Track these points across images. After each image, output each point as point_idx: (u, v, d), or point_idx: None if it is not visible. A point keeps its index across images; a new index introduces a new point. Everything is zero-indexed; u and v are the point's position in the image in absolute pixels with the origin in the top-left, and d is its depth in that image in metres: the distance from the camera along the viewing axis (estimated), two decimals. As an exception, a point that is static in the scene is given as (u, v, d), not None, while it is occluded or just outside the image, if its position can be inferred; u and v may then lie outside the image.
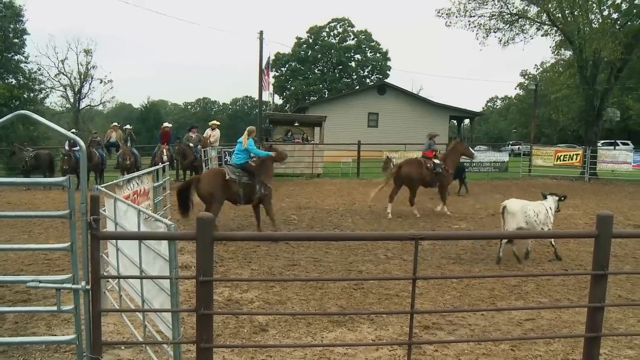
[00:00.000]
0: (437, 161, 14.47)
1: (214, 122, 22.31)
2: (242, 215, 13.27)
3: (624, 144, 44.87)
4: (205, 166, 18.10)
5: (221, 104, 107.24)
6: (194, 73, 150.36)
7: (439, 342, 5.53)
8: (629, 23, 27.21)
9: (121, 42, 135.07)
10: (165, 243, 4.02)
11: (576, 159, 26.68)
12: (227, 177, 10.98)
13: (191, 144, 20.05)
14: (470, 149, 17.17)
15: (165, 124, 22.04)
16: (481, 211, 14.96)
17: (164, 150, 19.69)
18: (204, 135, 21.30)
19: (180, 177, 20.89)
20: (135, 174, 8.57)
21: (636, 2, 27.64)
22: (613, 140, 46.35)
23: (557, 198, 9.55)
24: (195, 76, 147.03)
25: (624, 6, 28.56)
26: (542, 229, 9.10)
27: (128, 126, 22.14)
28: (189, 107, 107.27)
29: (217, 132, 21.38)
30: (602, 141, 41.08)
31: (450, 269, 8.78)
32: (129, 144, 20.52)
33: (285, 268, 8.61)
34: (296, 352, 5.28)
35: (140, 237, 4.74)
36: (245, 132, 11.64)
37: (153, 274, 4.44)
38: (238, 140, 11.80)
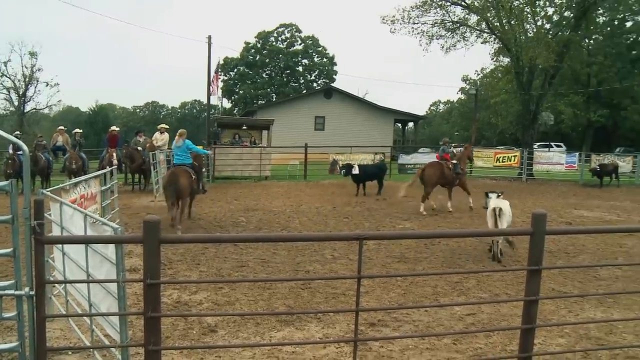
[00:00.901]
0: (454, 162, 16.02)
1: (163, 125, 22.02)
2: (192, 218, 13.20)
3: (557, 146, 46.73)
4: (154, 170, 17.83)
5: (170, 107, 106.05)
6: (143, 77, 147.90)
7: (384, 338, 5.68)
8: (560, 33, 28.41)
9: (69, 45, 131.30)
10: (112, 246, 4.01)
11: (514, 160, 27.61)
12: (193, 176, 12.23)
13: (139, 148, 19.76)
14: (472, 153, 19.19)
15: (113, 128, 21.62)
16: (424, 211, 15.30)
17: (113, 154, 19.32)
18: (152, 139, 21.00)
19: (128, 180, 20.56)
20: (82, 177, 8.42)
21: (565, 14, 28.91)
22: (548, 143, 48.17)
23: (496, 195, 10.11)
24: (144, 80, 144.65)
25: (555, 18, 29.89)
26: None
27: (78, 130, 21.59)
28: (138, 110, 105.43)
29: (166, 135, 21.10)
30: (538, 143, 42.57)
31: (395, 268, 8.98)
32: (76, 148, 20.04)
33: (233, 269, 8.63)
34: (245, 352, 5.33)
35: (86, 241, 4.69)
36: (178, 135, 12.66)
37: (100, 278, 4.41)
38: (175, 145, 12.68)
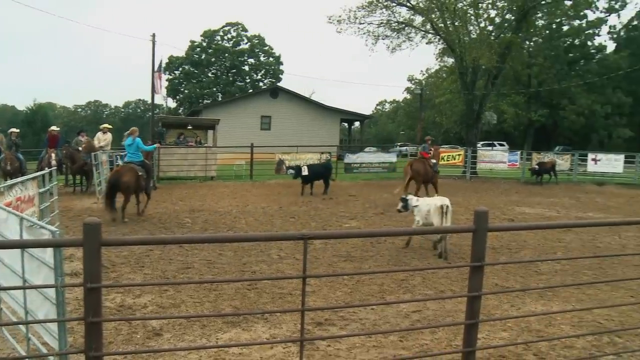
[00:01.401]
0: (434, 161, 17.21)
1: (106, 125, 21.50)
2: (135, 219, 12.93)
3: (500, 144, 48.02)
4: (96, 171, 17.34)
5: (113, 107, 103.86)
6: (85, 75, 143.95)
7: (331, 337, 5.69)
8: (501, 35, 29.19)
9: (4, 40, 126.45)
10: (50, 250, 3.88)
11: (458, 159, 28.24)
12: (139, 173, 12.94)
13: (80, 148, 19.18)
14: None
15: (53, 128, 20.86)
16: (370, 210, 15.45)
17: (52, 155, 18.66)
18: (95, 139, 20.45)
19: (69, 182, 19.93)
20: (18, 179, 8.11)
21: (507, 17, 29.73)
22: (491, 142, 49.47)
23: (415, 199, 10.47)
24: (86, 78, 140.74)
25: (497, 20, 30.70)
26: None
27: (14, 130, 20.72)
28: (79, 110, 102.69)
29: (109, 135, 20.59)
30: (482, 142, 43.66)
31: (342, 267, 9.02)
32: (12, 149, 19.24)
33: (179, 271, 8.49)
34: (191, 354, 5.25)
35: (22, 245, 4.51)
36: (129, 133, 13.50)
37: (37, 283, 4.25)
38: (126, 144, 13.46)
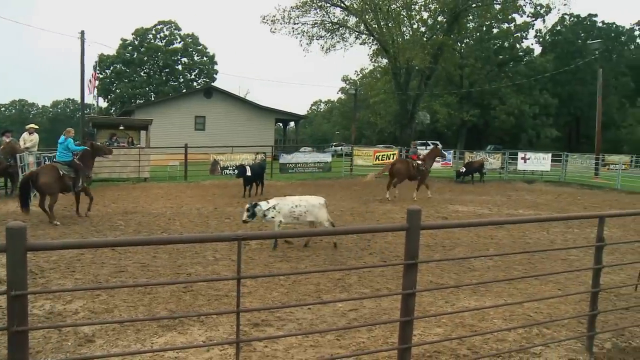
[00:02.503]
0: (420, 162, 19.37)
1: (32, 125, 20.60)
2: (65, 223, 12.48)
3: (434, 144, 48.88)
4: (22, 172, 16.58)
5: (41, 106, 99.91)
6: (9, 73, 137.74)
7: (267, 338, 5.63)
8: (434, 36, 29.86)
9: None
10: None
11: (393, 159, 28.60)
12: (61, 172, 12.83)
13: None
14: (442, 152, 23.89)
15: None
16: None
17: None
18: (20, 140, 19.54)
19: None
20: None
21: (439, 19, 30.45)
22: (425, 141, 50.46)
23: (266, 203, 10.44)
24: (10, 76, 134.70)
25: (429, 22, 31.40)
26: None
27: None
28: (3, 109, 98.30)
29: (36, 136, 19.75)
30: (416, 142, 44.48)
31: (278, 267, 8.97)
32: None
33: (112, 275, 8.22)
34: (125, 360, 5.08)
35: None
36: (64, 134, 13.53)
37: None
38: (59, 142, 13.50)
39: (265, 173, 20.98)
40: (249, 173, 18.68)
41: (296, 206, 10.22)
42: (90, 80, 30.68)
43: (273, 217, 10.13)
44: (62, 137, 13.52)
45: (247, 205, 10.36)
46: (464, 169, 26.51)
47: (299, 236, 10.56)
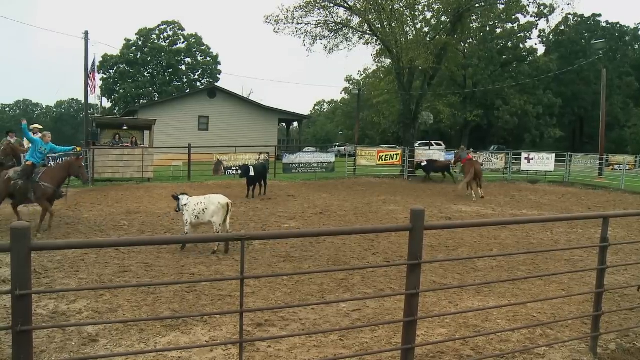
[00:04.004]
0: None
1: (36, 125, 20.59)
2: (70, 223, 12.49)
3: (437, 144, 48.98)
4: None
5: (45, 106, 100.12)
6: (14, 73, 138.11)
7: (271, 338, 5.63)
8: (437, 37, 29.77)
9: None
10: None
11: (396, 159, 28.60)
12: (7, 176, 11.94)
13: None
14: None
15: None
16: (309, 210, 15.46)
17: None
18: (24, 140, 19.56)
19: None
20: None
21: (443, 19, 30.37)
22: (428, 141, 50.45)
23: (186, 196, 10.35)
24: (14, 77, 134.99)
25: (433, 21, 31.32)
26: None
27: None
28: (7, 109, 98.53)
29: (39, 136, 19.80)
30: (419, 142, 44.51)
31: (281, 267, 8.97)
32: None
33: (115, 275, 8.24)
34: (128, 360, 5.09)
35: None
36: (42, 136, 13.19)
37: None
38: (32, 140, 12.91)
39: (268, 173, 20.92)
40: (252, 173, 18.67)
41: (197, 204, 10.03)
42: (90, 80, 30.60)
43: (184, 215, 10.16)
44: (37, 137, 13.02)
45: (173, 195, 10.50)
46: (425, 163, 26.63)
47: (299, 236, 10.57)
